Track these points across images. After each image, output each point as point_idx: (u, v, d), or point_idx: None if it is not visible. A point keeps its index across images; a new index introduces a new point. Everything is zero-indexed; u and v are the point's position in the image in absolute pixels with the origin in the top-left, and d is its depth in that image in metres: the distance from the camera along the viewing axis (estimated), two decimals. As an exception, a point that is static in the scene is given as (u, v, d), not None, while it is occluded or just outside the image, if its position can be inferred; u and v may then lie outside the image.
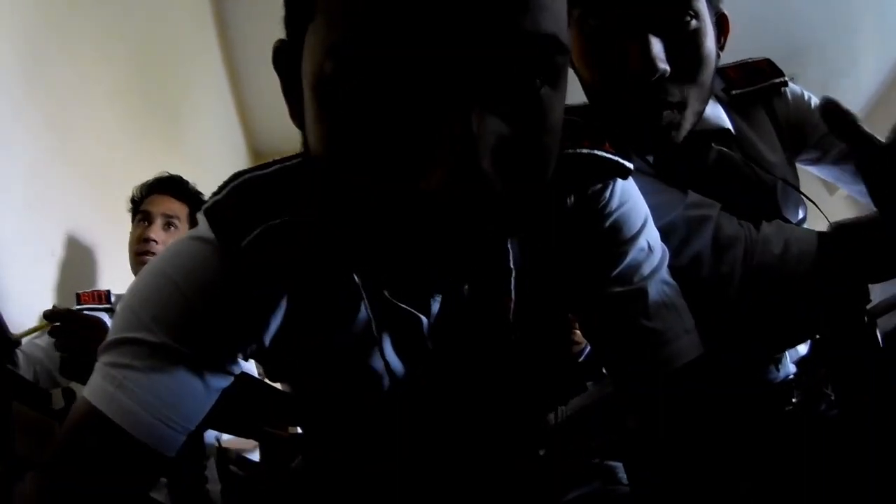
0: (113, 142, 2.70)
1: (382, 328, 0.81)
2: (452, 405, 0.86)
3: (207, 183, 2.27)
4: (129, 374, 0.74)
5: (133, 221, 2.35)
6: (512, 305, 0.81)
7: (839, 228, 1.04)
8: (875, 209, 0.91)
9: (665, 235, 0.93)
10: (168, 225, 2.27)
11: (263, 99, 4.97)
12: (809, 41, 4.55)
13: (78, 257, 2.41)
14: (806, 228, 1.10)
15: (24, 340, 1.69)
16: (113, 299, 2.20)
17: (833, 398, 1.14)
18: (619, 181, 0.84)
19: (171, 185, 2.34)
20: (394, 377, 0.83)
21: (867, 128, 1.31)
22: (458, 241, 0.57)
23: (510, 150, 0.55)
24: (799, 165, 1.34)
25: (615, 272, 0.87)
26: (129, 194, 2.40)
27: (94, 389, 0.75)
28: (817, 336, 1.18)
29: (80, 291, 2.22)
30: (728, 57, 1.25)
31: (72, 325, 1.52)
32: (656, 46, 1.00)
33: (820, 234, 1.05)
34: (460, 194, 0.52)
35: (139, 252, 2.24)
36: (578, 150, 0.80)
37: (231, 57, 4.69)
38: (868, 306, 1.13)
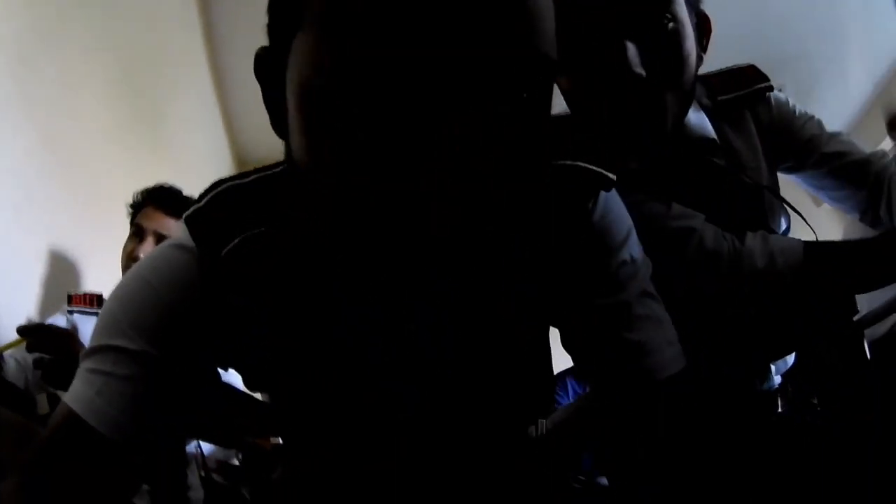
0: (98, 149, 2.69)
1: (367, 336, 0.81)
2: (431, 416, 0.86)
3: (192, 191, 2.27)
4: (109, 381, 0.74)
5: (130, 230, 2.32)
6: (493, 317, 0.81)
7: (827, 242, 1.04)
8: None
9: (648, 248, 0.93)
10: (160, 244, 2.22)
11: (249, 107, 4.92)
12: (797, 50, 4.57)
13: (64, 265, 2.39)
14: (791, 238, 1.09)
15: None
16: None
17: (819, 408, 1.15)
18: (603, 193, 0.84)
19: (165, 200, 2.28)
20: (378, 385, 0.83)
21: (857, 137, 1.31)
22: (435, 255, 0.57)
23: (496, 165, 0.55)
24: (782, 175, 1.34)
25: (598, 284, 0.86)
26: (114, 201, 2.38)
27: (75, 395, 0.76)
28: (804, 347, 1.18)
29: (71, 293, 2.21)
30: (715, 67, 1.25)
31: (43, 339, 1.53)
32: (631, 51, 0.99)
33: (806, 244, 1.04)
34: (457, 194, 0.53)
35: (127, 269, 2.21)
36: (561, 162, 0.79)
37: (217, 65, 4.68)
38: (855, 317, 1.13)
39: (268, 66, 0.66)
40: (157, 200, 2.28)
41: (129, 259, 2.20)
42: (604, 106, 1.04)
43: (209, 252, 0.76)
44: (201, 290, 0.77)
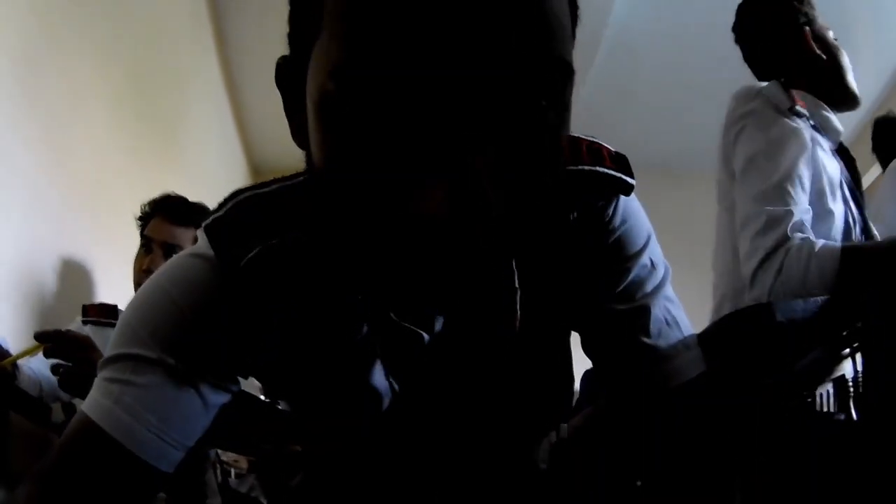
0: (109, 158, 2.70)
1: (383, 346, 0.80)
2: (452, 422, 0.86)
3: (206, 199, 2.28)
4: (127, 390, 0.74)
5: (140, 242, 2.32)
6: (517, 323, 0.80)
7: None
8: None
9: None
10: (169, 254, 2.18)
11: (263, 114, 4.95)
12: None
13: (74, 274, 2.40)
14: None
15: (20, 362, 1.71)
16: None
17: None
18: (623, 198, 0.83)
19: (172, 209, 2.28)
20: (393, 394, 0.83)
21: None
22: (457, 264, 0.56)
23: (513, 172, 0.54)
24: None
25: (618, 289, 0.86)
26: (126, 211, 2.39)
27: (93, 404, 0.75)
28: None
29: (86, 304, 2.23)
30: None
31: (61, 345, 1.53)
32: None
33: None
34: (459, 219, 0.52)
35: (139, 283, 2.22)
36: (580, 167, 0.79)
37: (230, 72, 4.68)
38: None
39: (288, 76, 0.66)
40: (163, 210, 2.28)
41: (141, 272, 2.21)
42: None
43: (228, 261, 0.75)
44: (220, 299, 0.76)
